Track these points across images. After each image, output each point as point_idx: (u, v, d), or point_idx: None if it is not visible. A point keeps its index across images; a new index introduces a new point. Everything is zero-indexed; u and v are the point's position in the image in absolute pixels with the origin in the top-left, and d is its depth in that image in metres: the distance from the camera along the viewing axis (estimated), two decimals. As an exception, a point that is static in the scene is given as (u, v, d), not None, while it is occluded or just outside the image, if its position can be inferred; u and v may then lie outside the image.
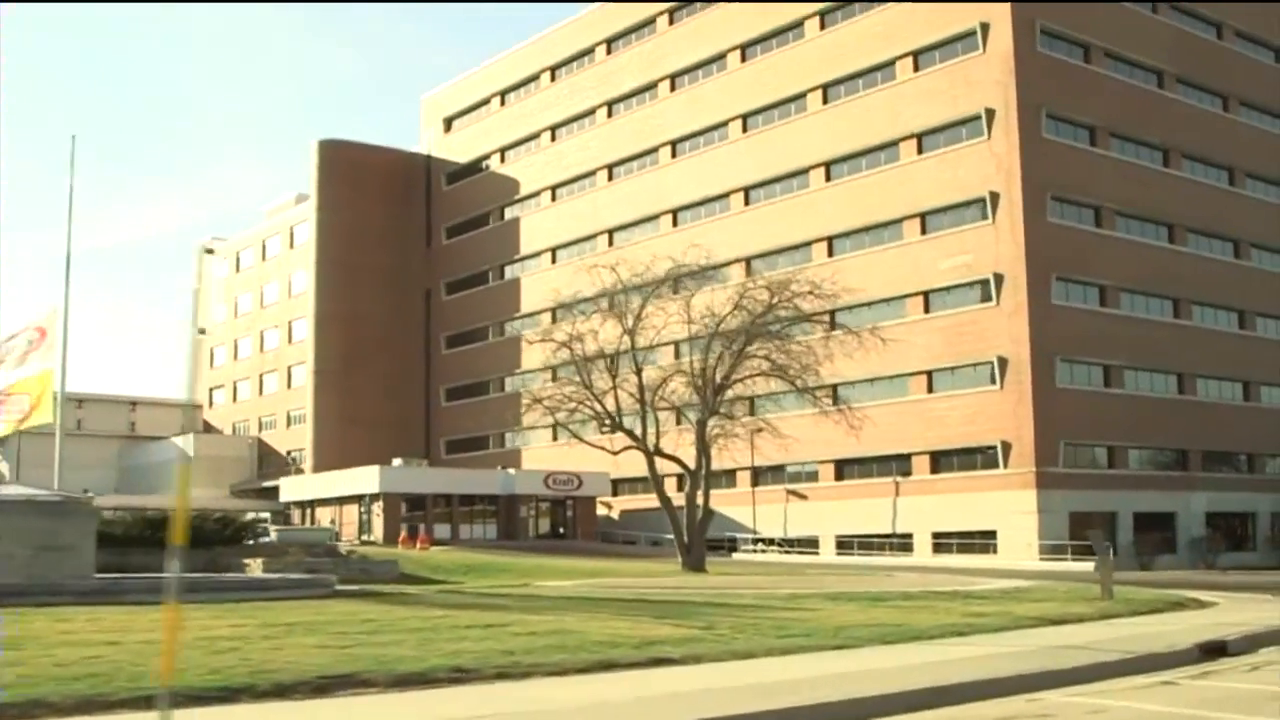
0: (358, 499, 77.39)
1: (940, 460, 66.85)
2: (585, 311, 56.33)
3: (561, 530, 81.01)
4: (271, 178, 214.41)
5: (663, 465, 51.38)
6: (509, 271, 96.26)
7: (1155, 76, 71.78)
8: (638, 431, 51.20)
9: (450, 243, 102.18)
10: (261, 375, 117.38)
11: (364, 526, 76.33)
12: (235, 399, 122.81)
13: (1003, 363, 63.44)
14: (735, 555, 70.94)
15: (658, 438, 50.92)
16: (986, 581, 36.21)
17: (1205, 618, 24.63)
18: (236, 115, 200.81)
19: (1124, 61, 70.08)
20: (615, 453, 52.78)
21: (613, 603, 26.29)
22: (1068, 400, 63.85)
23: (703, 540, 49.73)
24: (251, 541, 44.34)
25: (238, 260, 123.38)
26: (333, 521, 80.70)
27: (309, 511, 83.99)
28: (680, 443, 54.33)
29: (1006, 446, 63.06)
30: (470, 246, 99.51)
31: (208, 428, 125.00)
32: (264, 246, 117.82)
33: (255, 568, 36.66)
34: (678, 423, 57.56)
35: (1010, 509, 62.14)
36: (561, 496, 79.26)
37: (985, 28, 65.46)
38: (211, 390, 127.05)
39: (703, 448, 49.84)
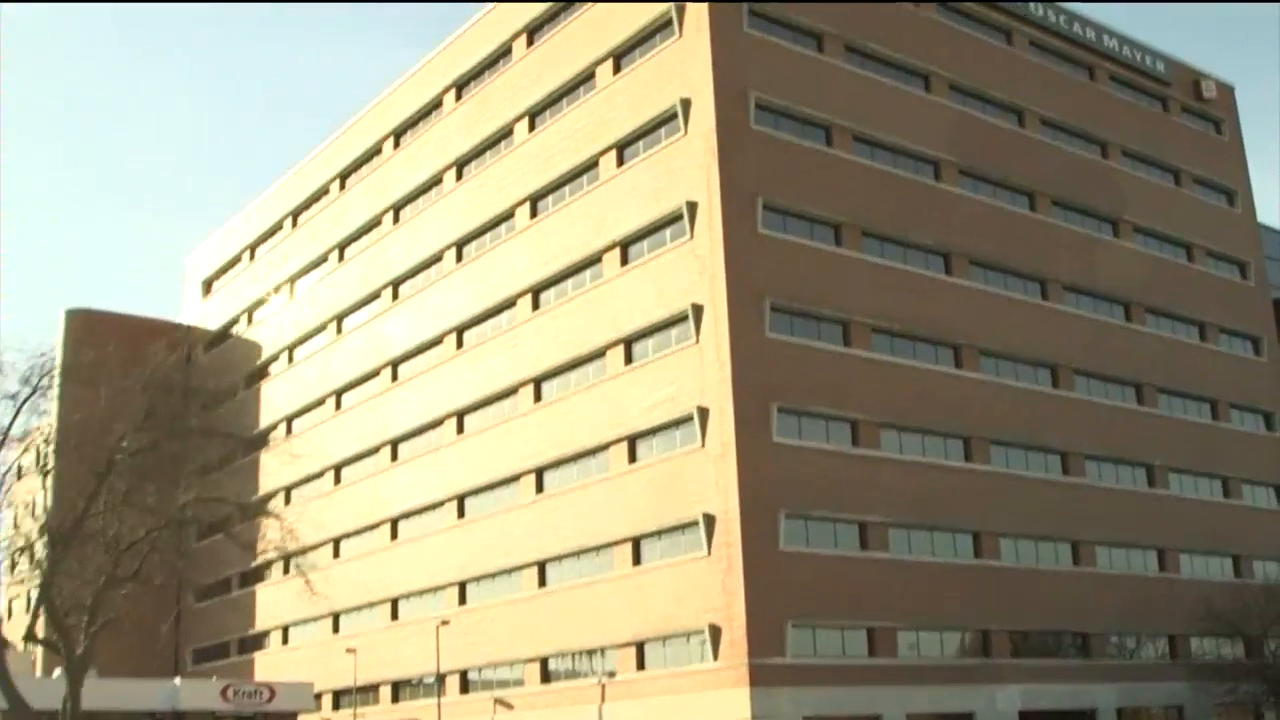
0: (-19, 725, 62.00)
1: (647, 653, 51.18)
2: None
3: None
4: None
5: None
6: (252, 447, 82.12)
7: (930, 166, 58.49)
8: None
9: (203, 423, 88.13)
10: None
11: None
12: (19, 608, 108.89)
13: (710, 521, 48.45)
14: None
15: (34, 615, 36.61)
16: None
17: None
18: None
19: (883, 148, 56.87)
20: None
21: None
22: (799, 568, 48.46)
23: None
24: None
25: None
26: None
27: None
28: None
29: (716, 631, 47.54)
30: (218, 424, 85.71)
31: None
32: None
33: None
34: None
35: (722, 715, 46.40)
36: (248, 714, 63.08)
37: (686, 104, 52.55)
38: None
39: (57, 625, 35.39)
